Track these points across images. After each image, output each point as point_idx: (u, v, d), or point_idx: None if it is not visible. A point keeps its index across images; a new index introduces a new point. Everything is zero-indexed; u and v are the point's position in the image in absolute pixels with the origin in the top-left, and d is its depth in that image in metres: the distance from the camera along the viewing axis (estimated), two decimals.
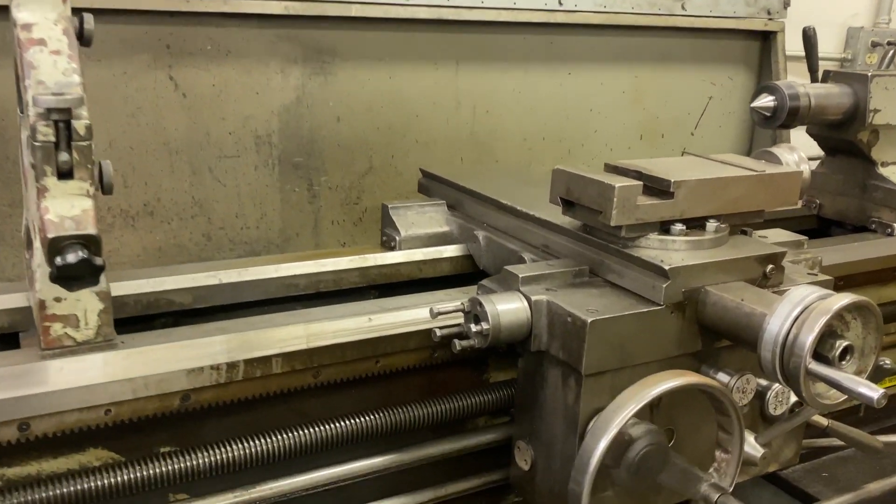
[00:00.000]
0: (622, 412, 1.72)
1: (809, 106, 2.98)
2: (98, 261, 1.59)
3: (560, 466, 2.01)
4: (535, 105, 3.90)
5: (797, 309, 1.76)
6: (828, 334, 1.75)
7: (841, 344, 1.76)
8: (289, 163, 3.34)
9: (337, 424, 2.02)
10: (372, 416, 2.06)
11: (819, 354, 1.75)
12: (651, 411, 1.99)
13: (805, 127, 3.21)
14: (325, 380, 2.00)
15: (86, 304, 1.72)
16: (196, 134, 3.15)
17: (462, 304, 1.99)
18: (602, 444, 1.74)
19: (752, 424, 2.22)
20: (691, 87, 4.41)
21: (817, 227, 3.46)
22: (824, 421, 2.40)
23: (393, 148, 3.54)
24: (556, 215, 2.29)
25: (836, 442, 2.65)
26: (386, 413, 2.08)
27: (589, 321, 1.84)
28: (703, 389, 1.80)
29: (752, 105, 3.02)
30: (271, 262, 2.30)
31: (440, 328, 1.97)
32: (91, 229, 1.60)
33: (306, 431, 1.98)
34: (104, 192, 1.71)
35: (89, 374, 1.69)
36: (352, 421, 2.04)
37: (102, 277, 1.69)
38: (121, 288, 1.98)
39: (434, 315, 1.96)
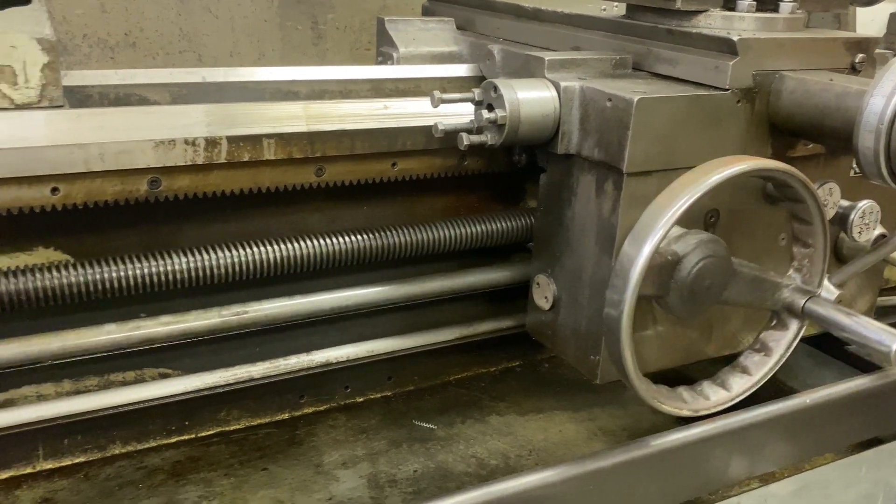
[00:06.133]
0: (674, 204, 1.33)
1: None
2: None
3: (588, 298, 1.65)
4: None
5: None
6: None
7: None
8: None
9: (341, 240, 1.67)
10: (374, 235, 1.70)
11: None
12: (706, 227, 1.62)
13: None
14: (330, 180, 1.62)
15: (24, 55, 1.33)
16: None
17: (473, 91, 1.61)
18: (647, 248, 1.35)
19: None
20: None
21: None
22: None
23: None
24: (588, 11, 1.89)
25: None
26: (393, 232, 1.72)
27: (635, 99, 1.45)
28: (777, 175, 1.40)
29: None
30: None
31: (444, 122, 1.58)
32: None
33: (306, 244, 1.63)
34: None
35: (27, 133, 1.31)
36: (356, 238, 1.68)
37: (45, 18, 1.33)
38: (82, 77, 1.58)
39: (436, 102, 1.57)
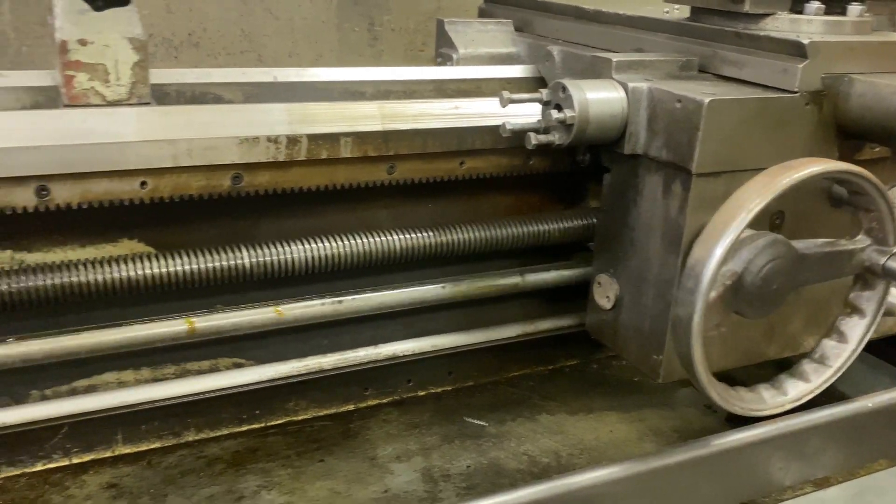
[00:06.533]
0: (748, 205, 1.35)
1: None
2: None
3: (653, 297, 1.67)
4: None
5: None
6: None
7: None
8: None
9: (408, 236, 1.71)
10: (439, 232, 1.74)
11: None
12: (771, 228, 1.63)
13: None
14: (400, 178, 1.66)
15: (117, 53, 1.37)
16: None
17: (541, 92, 1.64)
18: (719, 250, 1.36)
19: None
20: None
21: None
22: None
23: None
24: (651, 13, 1.91)
25: None
26: (457, 230, 1.76)
27: (706, 101, 1.47)
28: (850, 178, 1.41)
29: None
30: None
31: (512, 122, 1.61)
32: None
33: (374, 240, 1.68)
34: None
35: (120, 129, 1.37)
36: (422, 234, 1.73)
37: (136, 18, 1.39)
38: (160, 75, 1.62)
39: (505, 102, 1.60)
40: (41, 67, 2.59)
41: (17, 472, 1.63)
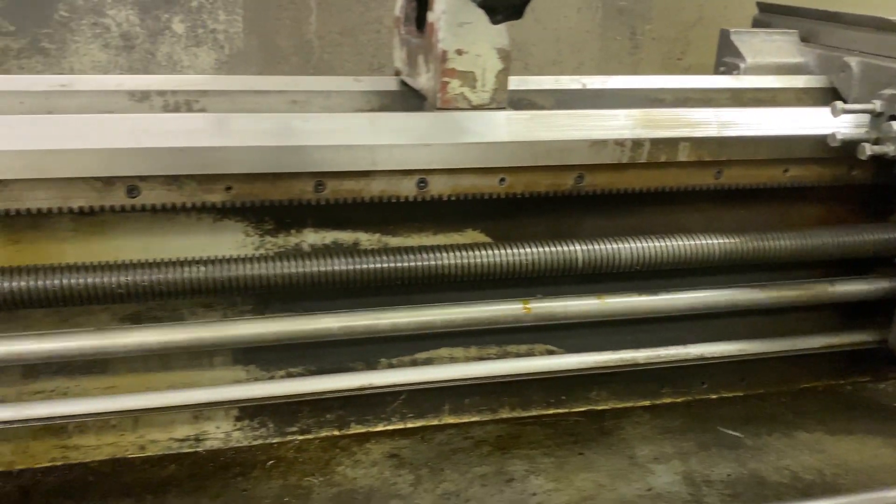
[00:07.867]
0: None
1: None
2: None
3: None
4: None
5: None
6: None
7: None
8: (613, 6, 3.06)
9: (716, 241, 1.75)
10: (747, 238, 1.77)
11: None
12: None
13: None
14: (725, 183, 1.72)
15: (485, 62, 1.53)
16: None
17: (873, 103, 1.64)
18: None
19: None
20: None
21: None
22: None
23: None
24: None
25: None
26: (766, 237, 1.78)
27: None
28: None
29: None
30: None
31: (842, 132, 1.64)
32: None
33: (691, 242, 1.73)
34: None
35: (492, 130, 1.53)
36: (730, 240, 1.76)
37: (504, 30, 1.54)
38: None
39: (837, 113, 1.62)
40: (338, 73, 2.88)
41: (363, 429, 1.84)
